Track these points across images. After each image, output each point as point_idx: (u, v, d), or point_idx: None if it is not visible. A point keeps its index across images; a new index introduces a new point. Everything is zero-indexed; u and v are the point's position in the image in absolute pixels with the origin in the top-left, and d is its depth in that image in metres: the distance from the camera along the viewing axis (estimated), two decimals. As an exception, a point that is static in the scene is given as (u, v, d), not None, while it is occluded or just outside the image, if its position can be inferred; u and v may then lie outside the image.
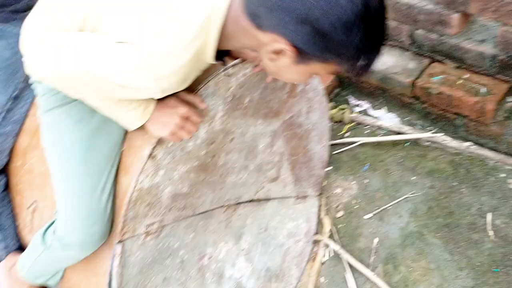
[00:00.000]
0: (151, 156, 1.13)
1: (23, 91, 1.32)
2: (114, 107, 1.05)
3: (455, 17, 1.74)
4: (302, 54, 0.93)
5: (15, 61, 1.28)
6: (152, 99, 1.06)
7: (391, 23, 1.96)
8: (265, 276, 1.71)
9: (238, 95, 1.33)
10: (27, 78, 1.31)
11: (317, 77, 1.64)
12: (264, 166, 1.60)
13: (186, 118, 1.13)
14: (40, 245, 1.22)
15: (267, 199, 1.68)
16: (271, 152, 1.60)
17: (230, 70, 1.25)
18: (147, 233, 1.22)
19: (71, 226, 1.15)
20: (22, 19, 1.29)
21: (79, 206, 1.13)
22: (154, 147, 1.13)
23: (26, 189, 1.35)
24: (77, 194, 1.12)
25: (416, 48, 1.97)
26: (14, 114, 1.32)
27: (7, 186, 1.39)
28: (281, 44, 0.91)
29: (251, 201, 1.62)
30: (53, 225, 1.19)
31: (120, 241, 1.15)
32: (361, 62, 0.96)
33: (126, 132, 1.17)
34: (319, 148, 1.80)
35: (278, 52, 0.94)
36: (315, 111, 1.70)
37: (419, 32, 1.90)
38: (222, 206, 1.51)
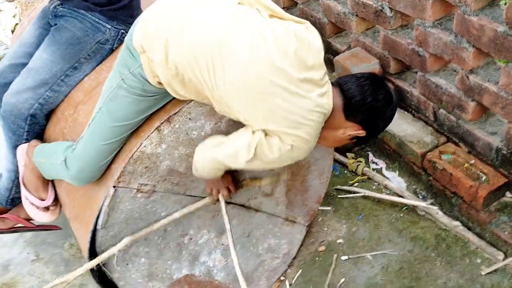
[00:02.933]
0: (157, 128, 1.43)
1: (82, 65, 1.72)
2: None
3: (472, 105, 1.89)
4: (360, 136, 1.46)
5: (83, 42, 1.69)
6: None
7: (420, 98, 2.14)
8: (235, 275, 1.91)
9: (247, 108, 1.60)
10: (88, 56, 1.71)
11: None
12: (260, 179, 1.83)
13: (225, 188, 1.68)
14: (54, 154, 1.60)
15: (257, 210, 1.90)
16: (269, 169, 1.83)
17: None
18: (139, 190, 1.50)
19: (76, 163, 1.51)
20: (103, 13, 1.69)
21: (91, 157, 1.49)
22: (162, 123, 1.43)
23: (68, 133, 1.70)
24: (96, 150, 1.48)
25: (438, 126, 2.13)
26: (70, 80, 1.72)
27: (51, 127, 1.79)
28: (360, 130, 1.44)
29: (242, 205, 1.86)
30: (69, 152, 1.54)
31: (114, 187, 1.45)
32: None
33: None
34: (317, 183, 2.00)
35: (350, 133, 1.44)
36: (319, 148, 1.90)
37: (442, 111, 2.06)
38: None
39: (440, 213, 2.00)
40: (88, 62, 1.72)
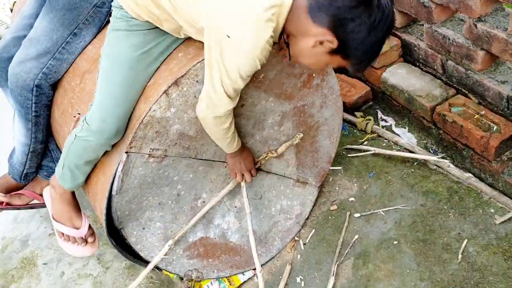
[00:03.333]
0: (166, 92, 1.43)
1: (82, 31, 1.71)
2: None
3: (481, 54, 1.86)
4: (336, 48, 1.28)
5: (80, 6, 1.67)
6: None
7: (428, 51, 2.11)
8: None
9: (253, 68, 1.58)
10: (86, 21, 1.70)
11: (334, 79, 1.85)
12: (270, 141, 1.83)
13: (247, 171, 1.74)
14: (72, 136, 1.57)
15: (268, 172, 1.91)
16: (279, 130, 1.83)
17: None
18: (151, 155, 1.51)
19: (97, 115, 1.49)
20: None
21: (108, 104, 1.47)
22: (170, 86, 1.43)
23: (77, 103, 1.70)
24: (110, 95, 1.47)
25: (446, 78, 2.10)
26: (71, 47, 1.71)
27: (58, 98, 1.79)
28: (330, 37, 1.26)
29: (252, 168, 1.86)
30: (88, 113, 1.53)
31: (126, 152, 1.46)
32: (363, 65, 1.36)
33: (155, 71, 1.49)
34: (327, 143, 1.99)
35: (322, 42, 1.28)
36: (329, 107, 1.91)
37: (450, 63, 2.03)
38: (224, 162, 1.76)
39: (452, 166, 2.00)
40: (88, 28, 1.71)
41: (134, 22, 1.46)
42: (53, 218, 1.74)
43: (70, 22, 1.68)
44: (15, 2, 3.53)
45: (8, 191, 1.96)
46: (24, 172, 1.92)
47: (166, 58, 1.51)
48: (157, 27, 1.48)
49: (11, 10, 3.52)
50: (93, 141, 1.51)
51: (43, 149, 1.91)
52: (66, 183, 1.65)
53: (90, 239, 1.75)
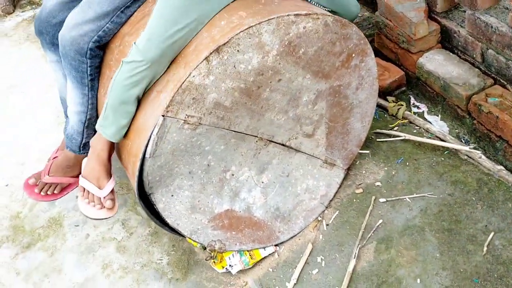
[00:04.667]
0: (207, 59, 1.42)
1: None
2: None
3: (525, 45, 1.82)
4: None
5: None
6: None
7: (468, 38, 2.06)
8: (273, 213, 1.95)
9: (294, 43, 1.56)
10: None
11: (373, 61, 1.82)
12: (302, 119, 1.82)
13: None
14: (119, 68, 1.56)
15: (297, 150, 1.90)
16: (313, 109, 1.81)
17: (293, 18, 1.49)
18: (186, 121, 1.51)
19: (145, 35, 1.51)
20: None
21: (157, 26, 1.49)
22: (211, 53, 1.42)
23: (115, 65, 1.70)
24: (161, 18, 1.48)
25: (485, 67, 2.05)
26: (129, 11, 1.72)
27: (102, 60, 1.79)
28: None
29: (282, 145, 1.85)
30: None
31: (163, 115, 1.46)
32: None
33: (203, 26, 1.51)
34: (359, 126, 1.97)
35: None
36: (364, 90, 1.88)
37: (490, 52, 1.98)
38: (255, 136, 1.75)
39: (483, 157, 1.97)
40: None
41: None
42: (82, 175, 1.74)
43: None
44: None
45: (69, 167, 1.95)
46: (83, 141, 1.90)
47: (221, 9, 1.50)
48: None
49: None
50: (138, 60, 1.50)
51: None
52: (107, 129, 1.62)
53: (107, 204, 1.73)
